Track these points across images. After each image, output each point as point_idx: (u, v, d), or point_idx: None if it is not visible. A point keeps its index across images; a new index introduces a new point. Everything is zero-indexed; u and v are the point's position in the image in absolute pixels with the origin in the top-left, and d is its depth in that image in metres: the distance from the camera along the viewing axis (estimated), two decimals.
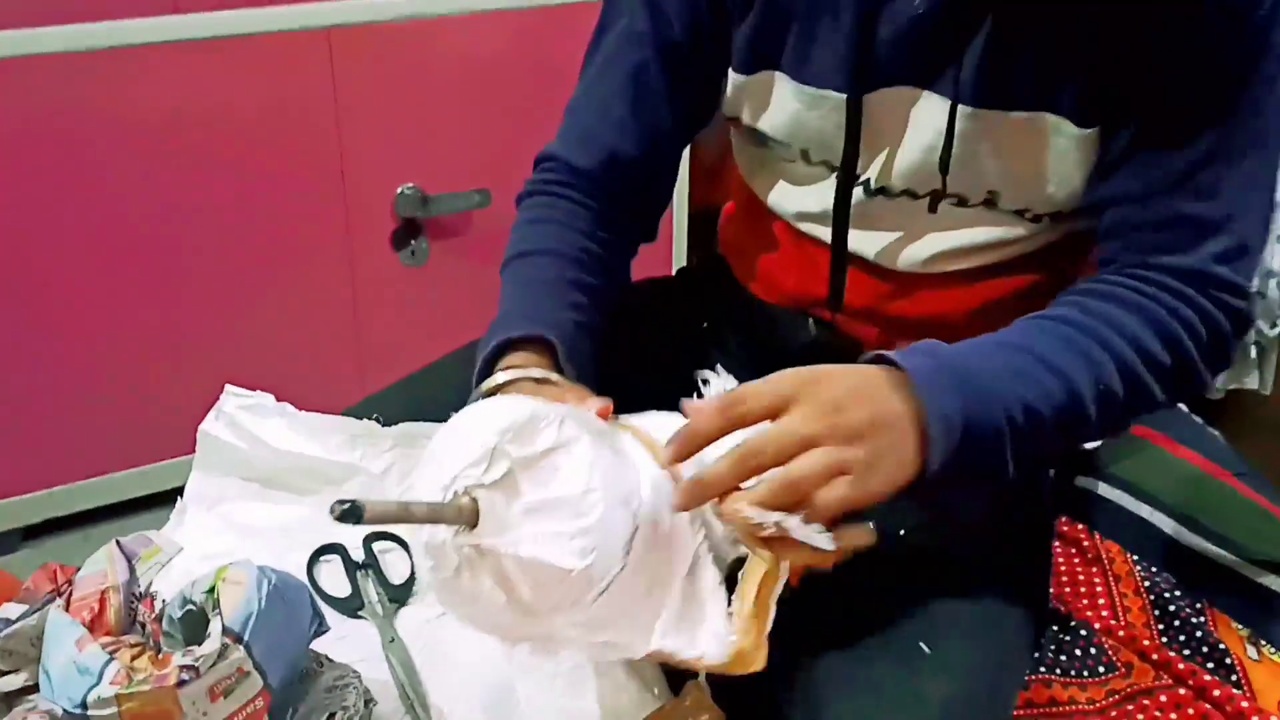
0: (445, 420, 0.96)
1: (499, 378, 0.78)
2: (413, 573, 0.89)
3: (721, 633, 0.67)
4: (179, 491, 0.96)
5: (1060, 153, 0.80)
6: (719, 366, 0.79)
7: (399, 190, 1.74)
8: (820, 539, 0.65)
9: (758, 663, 0.66)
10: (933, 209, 0.87)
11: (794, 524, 0.65)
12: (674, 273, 1.21)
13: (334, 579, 0.88)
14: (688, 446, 0.67)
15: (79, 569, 0.74)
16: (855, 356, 0.99)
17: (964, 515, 0.84)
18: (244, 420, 0.93)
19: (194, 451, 0.99)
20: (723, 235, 1.09)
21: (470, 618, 0.65)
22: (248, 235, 1.67)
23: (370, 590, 0.87)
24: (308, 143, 1.66)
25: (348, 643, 0.81)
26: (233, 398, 0.94)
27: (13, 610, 0.72)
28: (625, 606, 0.65)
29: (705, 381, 0.81)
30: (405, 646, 0.83)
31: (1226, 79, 0.74)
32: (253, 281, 1.70)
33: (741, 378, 0.73)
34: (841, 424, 0.68)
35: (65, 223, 1.54)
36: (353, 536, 0.91)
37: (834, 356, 0.97)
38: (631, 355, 0.96)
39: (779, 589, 0.68)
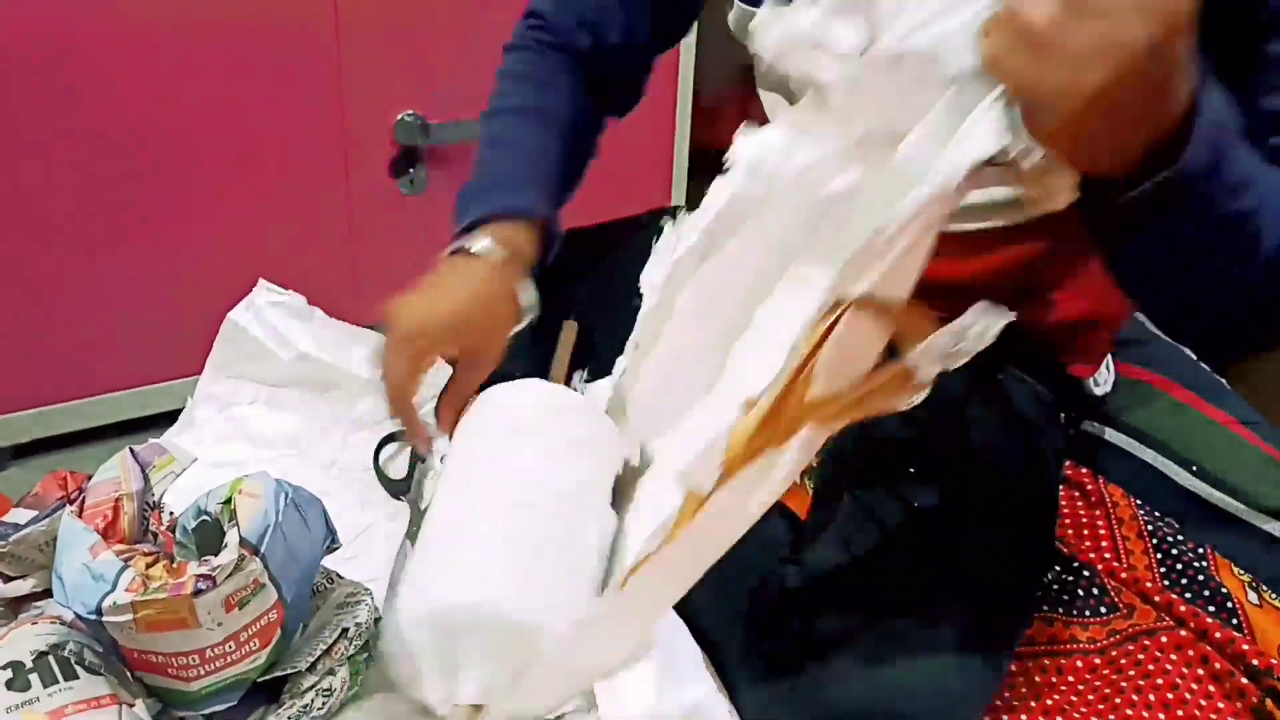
0: None
1: (482, 247, 0.82)
2: None
3: None
4: (171, 415, 0.95)
5: None
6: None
7: (399, 117, 1.72)
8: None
9: None
10: None
11: None
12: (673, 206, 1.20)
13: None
14: None
15: (89, 477, 0.74)
16: None
17: (976, 443, 0.85)
18: (272, 316, 0.91)
19: (186, 375, 0.97)
20: None
21: None
22: (244, 159, 1.65)
23: (426, 485, 0.86)
24: (308, 66, 1.63)
25: (357, 562, 0.81)
26: (265, 291, 0.92)
27: (21, 516, 0.72)
28: None
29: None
30: None
31: None
32: (249, 205, 1.68)
33: None
34: None
35: (54, 140, 1.51)
36: None
37: None
38: (632, 284, 0.95)
39: None
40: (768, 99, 0.99)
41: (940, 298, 0.96)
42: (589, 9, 0.94)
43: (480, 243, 0.82)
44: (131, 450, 0.74)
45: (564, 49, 0.95)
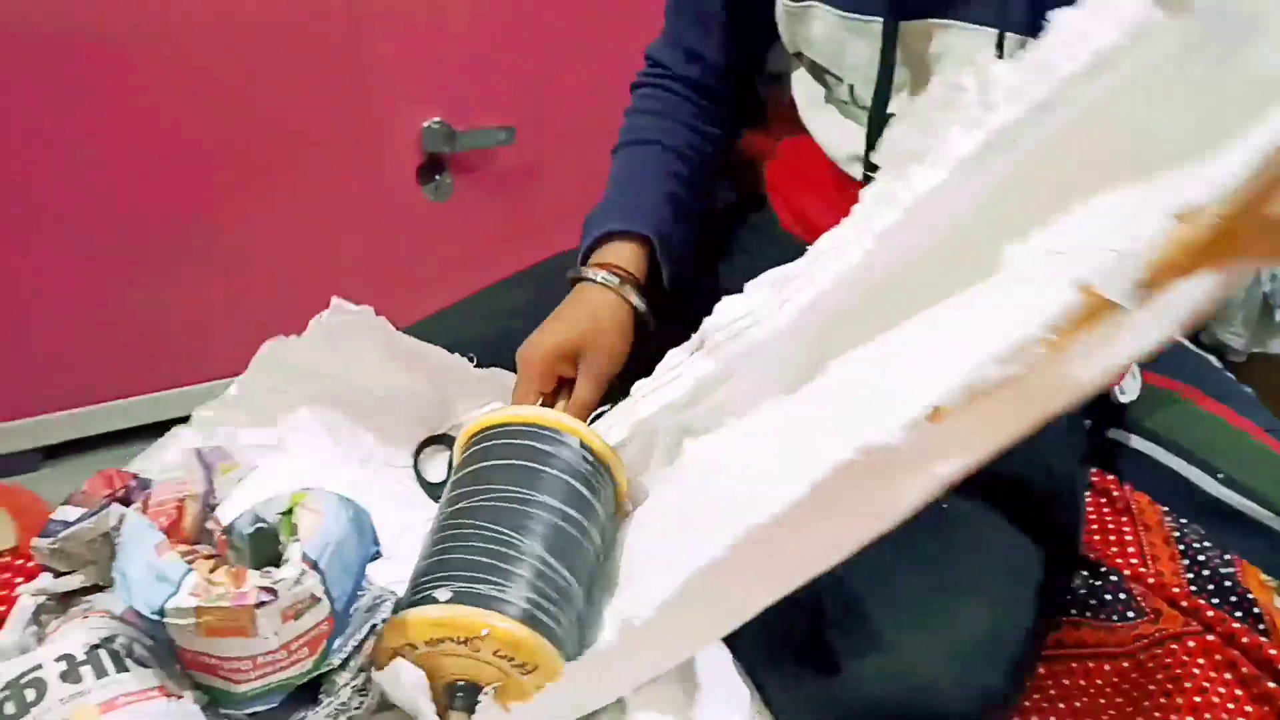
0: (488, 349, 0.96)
1: (588, 273, 0.93)
2: None
3: None
4: None
5: None
6: None
7: (425, 124, 1.74)
8: None
9: None
10: None
11: None
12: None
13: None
14: None
15: (137, 475, 0.75)
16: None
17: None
18: (340, 338, 0.91)
19: (219, 377, 0.95)
20: (769, 177, 1.10)
21: None
22: (271, 164, 1.67)
23: None
24: (336, 72, 1.65)
25: (394, 563, 0.82)
26: (338, 312, 0.91)
27: (70, 513, 0.73)
28: None
29: None
30: None
31: None
32: (274, 210, 1.70)
33: None
34: None
35: (78, 140, 1.53)
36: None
37: None
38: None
39: None
40: (801, 94, 1.00)
41: None
42: (687, 38, 1.02)
43: (591, 268, 0.93)
44: (198, 452, 0.76)
45: (677, 80, 1.03)
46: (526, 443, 0.77)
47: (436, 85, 1.73)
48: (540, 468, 0.76)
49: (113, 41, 1.49)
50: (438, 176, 1.79)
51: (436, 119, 1.74)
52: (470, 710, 0.70)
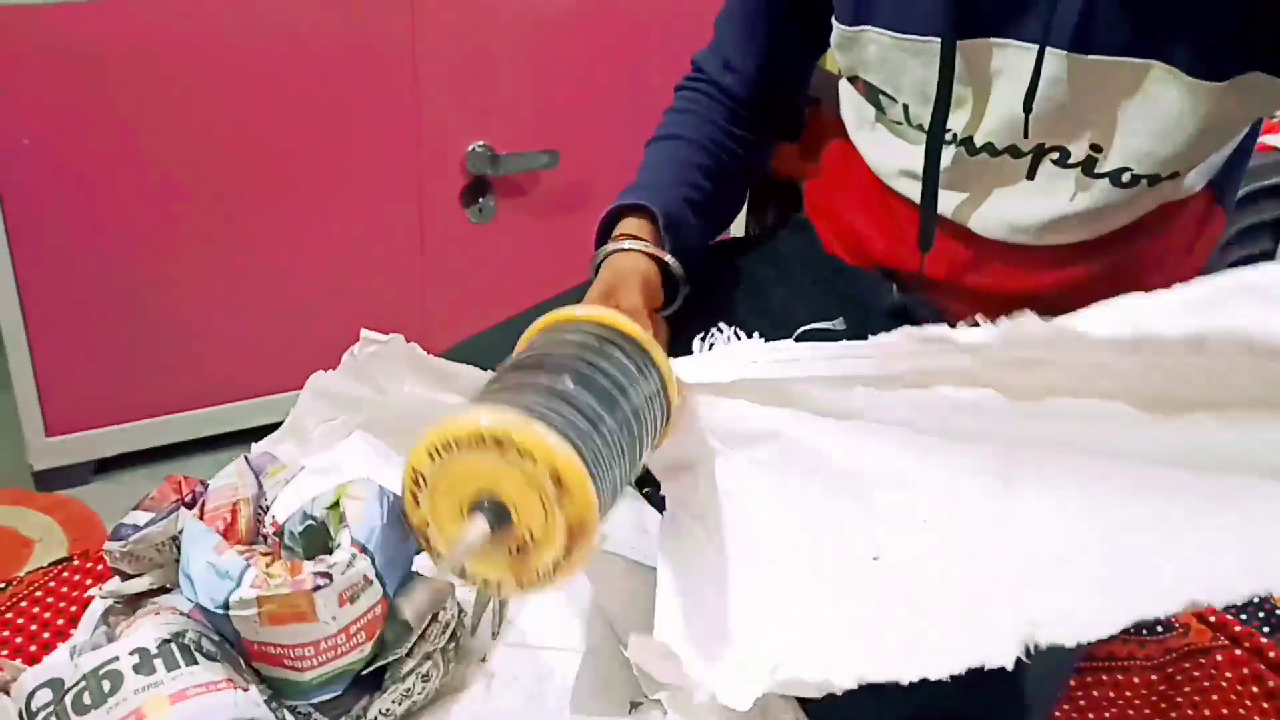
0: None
1: (607, 248, 0.95)
2: None
3: None
4: (249, 433, 0.98)
5: (1167, 104, 0.81)
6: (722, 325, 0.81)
7: (470, 148, 1.78)
8: None
9: None
10: (1031, 175, 0.89)
11: None
12: (743, 234, 1.24)
13: None
14: None
15: (202, 480, 0.79)
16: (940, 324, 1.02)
17: None
18: (373, 367, 0.92)
19: (269, 393, 0.97)
20: (809, 197, 1.12)
21: None
22: (323, 186, 1.71)
23: None
24: (386, 94, 1.70)
25: None
26: (367, 343, 0.92)
27: (140, 518, 0.77)
28: None
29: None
30: None
31: None
32: (322, 230, 1.75)
33: (825, 334, 0.74)
34: None
35: (137, 161, 1.59)
36: None
37: (917, 324, 1.00)
38: (707, 305, 0.99)
39: None
40: (850, 114, 1.02)
41: (1019, 308, 0.99)
42: (726, 49, 1.05)
43: (609, 243, 0.95)
44: (246, 458, 0.80)
45: (713, 85, 1.06)
46: (583, 329, 0.71)
47: (481, 109, 1.77)
48: (594, 343, 0.69)
49: (169, 66, 1.54)
50: (481, 199, 1.83)
51: (480, 142, 1.78)
52: (493, 524, 0.60)
